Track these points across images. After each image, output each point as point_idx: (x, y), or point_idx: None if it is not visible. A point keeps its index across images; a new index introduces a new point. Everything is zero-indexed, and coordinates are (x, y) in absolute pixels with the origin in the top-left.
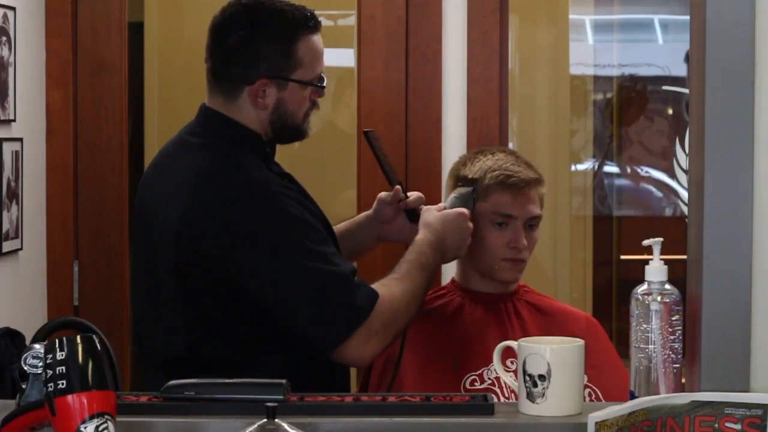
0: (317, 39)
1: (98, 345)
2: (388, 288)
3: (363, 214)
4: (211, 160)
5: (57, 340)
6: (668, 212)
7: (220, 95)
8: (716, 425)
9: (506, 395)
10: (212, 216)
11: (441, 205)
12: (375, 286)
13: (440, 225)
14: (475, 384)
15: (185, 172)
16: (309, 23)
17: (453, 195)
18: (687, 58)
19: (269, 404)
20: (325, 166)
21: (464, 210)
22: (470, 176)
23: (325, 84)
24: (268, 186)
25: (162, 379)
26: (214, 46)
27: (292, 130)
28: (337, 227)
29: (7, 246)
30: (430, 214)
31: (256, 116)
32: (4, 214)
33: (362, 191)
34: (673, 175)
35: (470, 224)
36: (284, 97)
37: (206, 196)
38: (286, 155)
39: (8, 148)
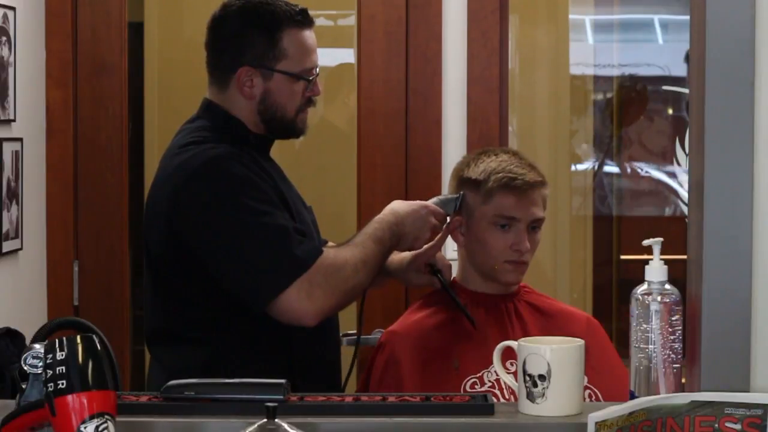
0: (307, 34)
1: (98, 345)
2: (335, 250)
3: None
4: (183, 141)
5: (57, 340)
6: (668, 212)
7: (215, 86)
8: (716, 425)
9: (506, 398)
10: (163, 187)
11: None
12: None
13: (402, 210)
14: (476, 387)
15: (165, 153)
16: (296, 17)
17: (438, 197)
18: (687, 58)
19: (269, 404)
20: (325, 167)
21: (427, 203)
22: (474, 177)
23: (311, 77)
24: (218, 154)
25: (150, 350)
26: (210, 39)
27: (283, 124)
28: None
29: (7, 246)
30: (397, 201)
31: (245, 106)
32: (4, 214)
33: (362, 191)
34: (673, 175)
35: (433, 219)
36: (270, 88)
37: (165, 172)
38: (286, 156)
39: (8, 148)
